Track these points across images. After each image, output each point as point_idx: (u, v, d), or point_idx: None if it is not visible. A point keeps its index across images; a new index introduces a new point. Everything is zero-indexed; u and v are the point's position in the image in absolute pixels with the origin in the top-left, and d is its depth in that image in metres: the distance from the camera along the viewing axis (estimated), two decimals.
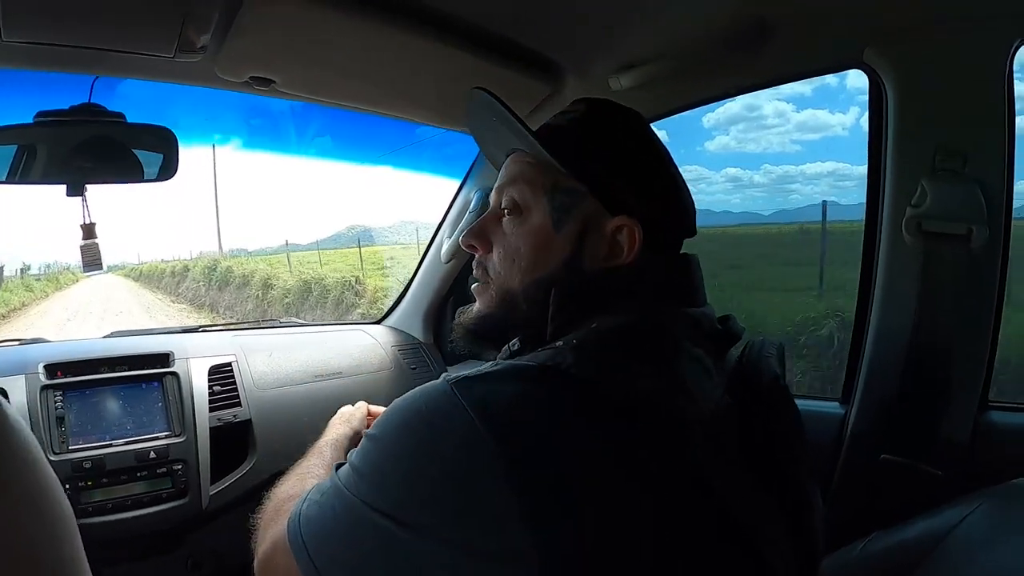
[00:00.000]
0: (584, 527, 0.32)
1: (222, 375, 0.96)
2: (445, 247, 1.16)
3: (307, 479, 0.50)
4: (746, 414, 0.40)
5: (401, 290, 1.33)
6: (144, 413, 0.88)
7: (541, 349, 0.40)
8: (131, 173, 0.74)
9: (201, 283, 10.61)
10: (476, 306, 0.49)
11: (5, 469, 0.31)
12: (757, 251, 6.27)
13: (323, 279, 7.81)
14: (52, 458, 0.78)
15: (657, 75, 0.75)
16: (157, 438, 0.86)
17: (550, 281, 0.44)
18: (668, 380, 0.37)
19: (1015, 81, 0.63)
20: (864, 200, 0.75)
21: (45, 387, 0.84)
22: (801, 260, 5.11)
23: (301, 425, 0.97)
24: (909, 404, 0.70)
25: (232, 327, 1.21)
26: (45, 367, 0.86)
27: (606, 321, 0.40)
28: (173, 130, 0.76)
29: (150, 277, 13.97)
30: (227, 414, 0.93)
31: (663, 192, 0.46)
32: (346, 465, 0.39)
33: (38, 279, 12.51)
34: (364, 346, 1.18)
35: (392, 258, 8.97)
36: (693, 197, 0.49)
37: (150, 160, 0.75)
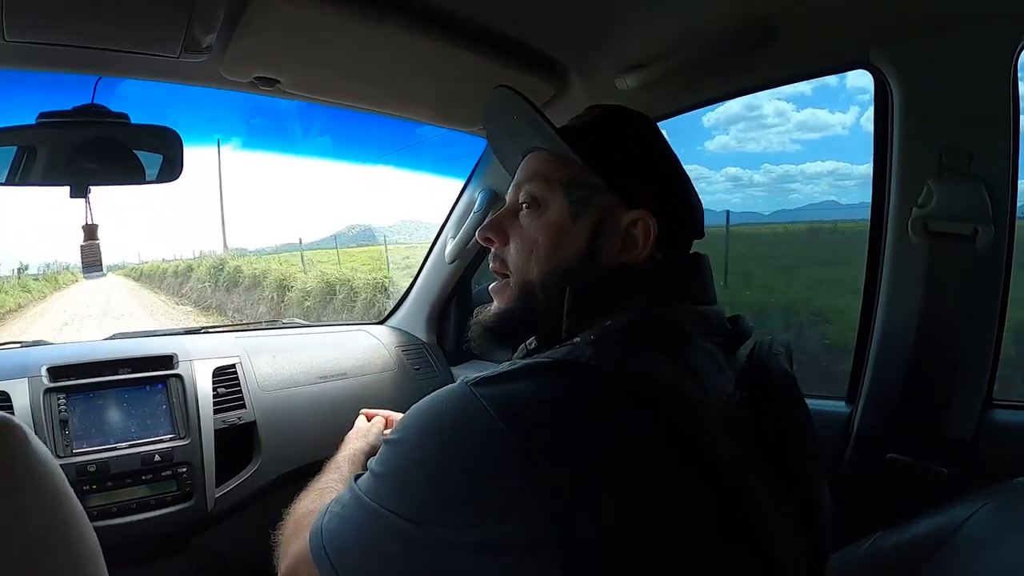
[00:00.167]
0: (602, 518, 0.32)
1: (226, 377, 0.96)
2: (449, 248, 1.16)
3: (326, 494, 0.50)
4: (756, 411, 0.40)
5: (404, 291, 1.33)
6: (148, 416, 0.88)
7: (559, 346, 0.40)
8: (135, 174, 0.74)
9: (207, 284, 10.25)
10: (495, 304, 0.49)
11: (32, 506, 0.30)
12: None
13: (350, 280, 7.18)
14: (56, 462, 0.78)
15: (662, 75, 0.76)
16: (162, 441, 0.86)
17: (566, 273, 0.45)
18: (682, 370, 0.38)
19: (1020, 81, 0.63)
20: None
21: (48, 390, 0.83)
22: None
23: (306, 426, 0.97)
24: (914, 403, 0.70)
25: (235, 328, 1.20)
26: (48, 370, 0.85)
27: (620, 319, 0.41)
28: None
29: (151, 277, 13.75)
30: (232, 416, 0.92)
31: (675, 191, 0.47)
32: (366, 474, 0.39)
33: (36, 279, 12.36)
34: (368, 347, 1.18)
35: (407, 257, 8.60)
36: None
37: (154, 161, 0.74)
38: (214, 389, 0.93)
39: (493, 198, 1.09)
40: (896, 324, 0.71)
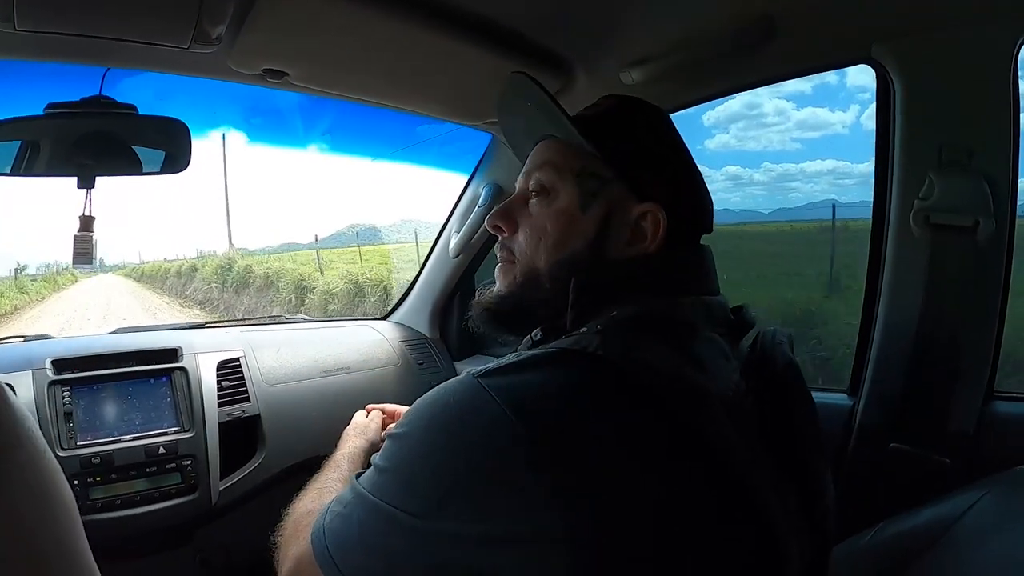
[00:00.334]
0: (608, 508, 0.32)
1: (230, 370, 0.96)
2: (453, 242, 1.16)
3: (325, 493, 0.50)
4: (761, 400, 0.41)
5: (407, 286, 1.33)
6: (152, 408, 0.88)
7: (565, 336, 0.40)
8: (142, 165, 0.74)
9: (214, 284, 9.69)
10: (497, 286, 0.49)
11: (8, 459, 0.31)
12: None
13: (383, 280, 6.36)
14: (60, 454, 0.78)
15: (667, 70, 0.76)
16: (166, 433, 0.86)
17: (573, 263, 0.44)
18: (687, 360, 0.38)
19: (1020, 79, 0.64)
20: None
21: (53, 383, 0.83)
22: None
23: (310, 420, 0.97)
24: (916, 394, 0.71)
25: (238, 323, 1.21)
26: (52, 362, 0.85)
27: (625, 310, 0.41)
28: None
29: (153, 277, 13.46)
30: (236, 409, 0.92)
31: (686, 185, 0.47)
32: (369, 470, 0.39)
33: (34, 280, 12.19)
34: (371, 342, 1.18)
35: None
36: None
37: (161, 152, 0.75)
38: (218, 382, 0.93)
39: (498, 193, 1.09)
40: (898, 316, 0.72)
